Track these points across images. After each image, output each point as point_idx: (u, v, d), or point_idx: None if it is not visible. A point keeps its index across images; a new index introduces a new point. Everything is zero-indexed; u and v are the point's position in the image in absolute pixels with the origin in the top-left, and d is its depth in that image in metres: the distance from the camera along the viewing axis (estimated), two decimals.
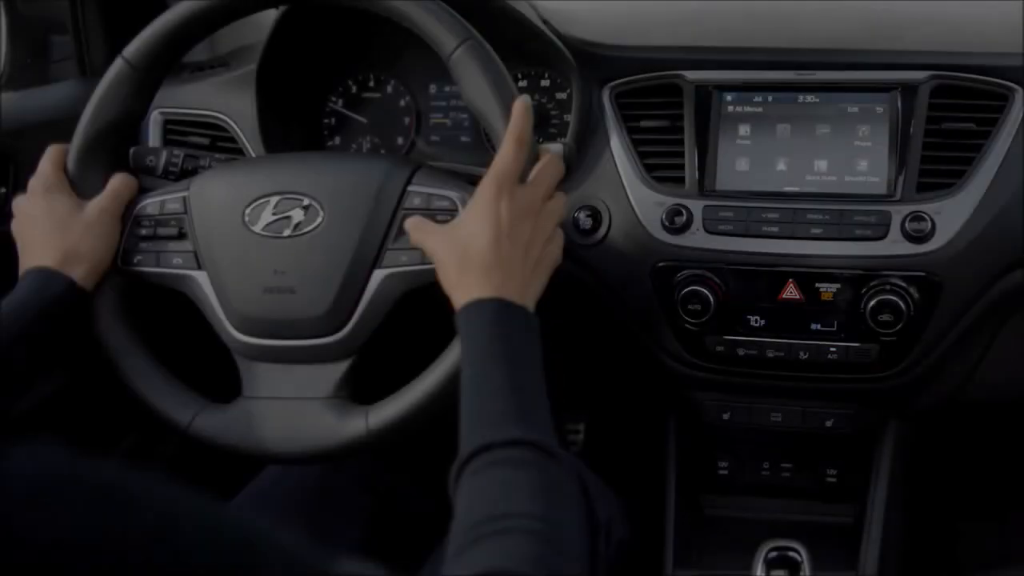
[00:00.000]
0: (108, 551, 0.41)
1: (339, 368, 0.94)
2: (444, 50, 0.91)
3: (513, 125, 0.87)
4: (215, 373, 1.00)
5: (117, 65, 0.99)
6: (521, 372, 0.77)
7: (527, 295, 0.83)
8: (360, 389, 0.96)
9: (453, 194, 0.92)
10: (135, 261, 0.99)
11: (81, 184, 0.99)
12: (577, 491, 0.73)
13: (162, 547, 0.43)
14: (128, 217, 0.99)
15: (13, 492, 0.40)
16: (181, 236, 0.98)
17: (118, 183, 0.99)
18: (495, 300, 0.80)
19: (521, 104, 0.87)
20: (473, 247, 0.83)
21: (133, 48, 0.98)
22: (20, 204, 0.98)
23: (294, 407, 0.94)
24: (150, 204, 1.00)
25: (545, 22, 1.20)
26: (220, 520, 0.47)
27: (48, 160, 0.99)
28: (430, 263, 0.91)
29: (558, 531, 0.66)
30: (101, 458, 0.46)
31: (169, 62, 1.00)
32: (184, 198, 0.98)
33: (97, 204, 0.97)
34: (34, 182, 0.98)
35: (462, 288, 0.82)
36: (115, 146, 1.01)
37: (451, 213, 0.92)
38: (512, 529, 0.64)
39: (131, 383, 0.97)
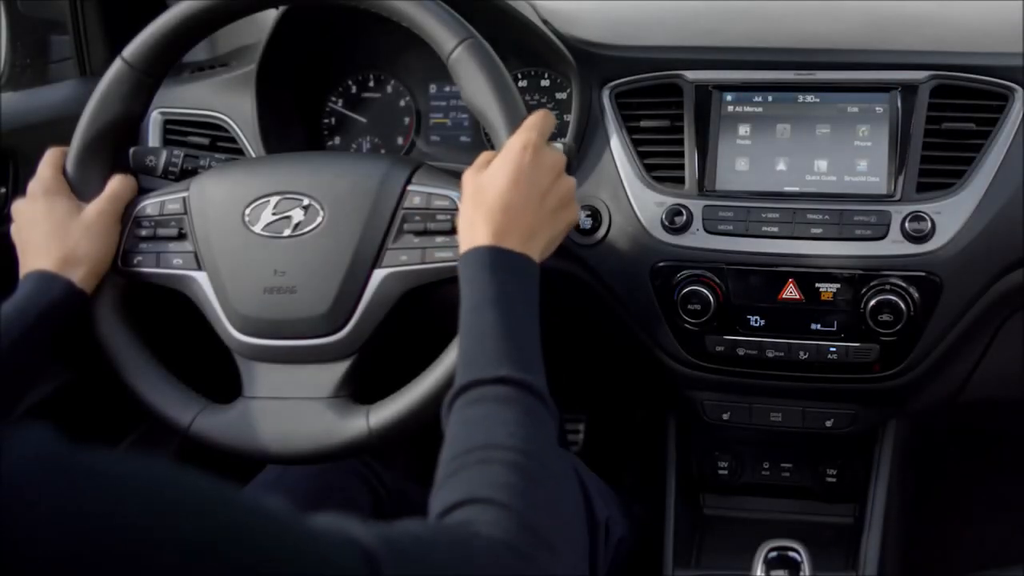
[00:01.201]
0: (95, 534, 0.41)
1: (340, 368, 0.94)
2: (443, 49, 0.91)
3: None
4: (215, 374, 1.00)
5: (116, 66, 0.99)
6: (513, 315, 0.79)
7: (532, 242, 0.84)
8: (361, 389, 0.96)
9: (453, 193, 0.92)
10: (135, 262, 0.99)
11: (80, 186, 0.99)
12: (556, 429, 0.74)
13: (150, 525, 0.43)
14: (128, 218, 0.99)
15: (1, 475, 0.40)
16: (181, 237, 0.98)
17: (117, 185, 0.99)
18: (491, 248, 0.82)
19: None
20: (488, 190, 0.84)
21: (132, 49, 0.98)
22: (19, 208, 0.98)
23: (295, 407, 0.94)
24: (150, 205, 0.99)
25: (545, 22, 1.20)
26: (208, 495, 0.47)
27: (47, 163, 0.99)
28: (430, 262, 0.92)
29: (537, 464, 0.67)
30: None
31: (168, 63, 1.00)
32: (184, 198, 0.98)
33: (95, 206, 0.97)
34: (33, 185, 0.98)
35: (467, 232, 0.84)
36: (114, 147, 1.01)
37: (450, 212, 0.92)
38: (492, 460, 0.66)
39: (132, 384, 0.97)
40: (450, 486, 0.65)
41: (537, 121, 0.89)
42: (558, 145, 0.94)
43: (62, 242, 0.94)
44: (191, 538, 0.44)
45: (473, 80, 0.90)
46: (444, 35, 0.91)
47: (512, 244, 0.82)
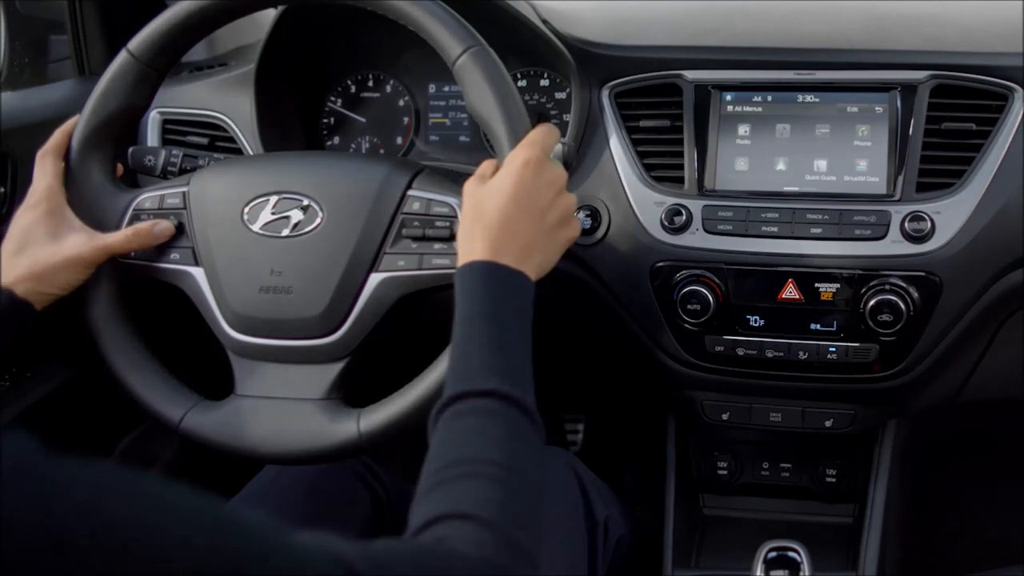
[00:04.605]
0: (71, 549, 0.41)
1: (332, 370, 0.94)
2: (449, 56, 0.91)
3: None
4: (209, 369, 1.00)
5: (121, 58, 0.98)
6: (505, 330, 0.78)
7: (529, 259, 0.84)
8: (353, 392, 0.95)
9: (453, 200, 0.92)
10: (132, 254, 0.99)
11: (81, 178, 0.98)
12: (542, 445, 0.74)
13: (129, 540, 0.43)
14: (125, 213, 0.98)
15: None
16: (179, 231, 0.98)
17: (120, 237, 0.95)
18: (487, 263, 0.82)
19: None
20: (488, 204, 0.84)
21: (137, 41, 0.98)
22: (16, 215, 0.96)
23: (286, 407, 0.94)
24: (149, 198, 0.99)
25: (545, 22, 1.20)
26: (189, 509, 0.47)
27: (45, 165, 0.97)
28: (427, 268, 0.91)
29: (520, 479, 0.67)
30: (94, 457, 0.45)
31: (173, 57, 1.00)
32: (184, 193, 0.98)
33: (72, 248, 0.93)
34: (28, 199, 0.96)
35: (465, 245, 0.84)
36: (115, 140, 1.00)
37: (449, 219, 0.92)
38: (475, 474, 0.66)
39: (124, 377, 0.97)
40: (432, 499, 0.65)
41: (540, 136, 0.88)
42: (558, 146, 0.93)
43: (19, 259, 0.92)
44: (170, 553, 0.44)
45: (478, 89, 0.90)
46: (450, 41, 0.90)
47: (508, 260, 0.82)
